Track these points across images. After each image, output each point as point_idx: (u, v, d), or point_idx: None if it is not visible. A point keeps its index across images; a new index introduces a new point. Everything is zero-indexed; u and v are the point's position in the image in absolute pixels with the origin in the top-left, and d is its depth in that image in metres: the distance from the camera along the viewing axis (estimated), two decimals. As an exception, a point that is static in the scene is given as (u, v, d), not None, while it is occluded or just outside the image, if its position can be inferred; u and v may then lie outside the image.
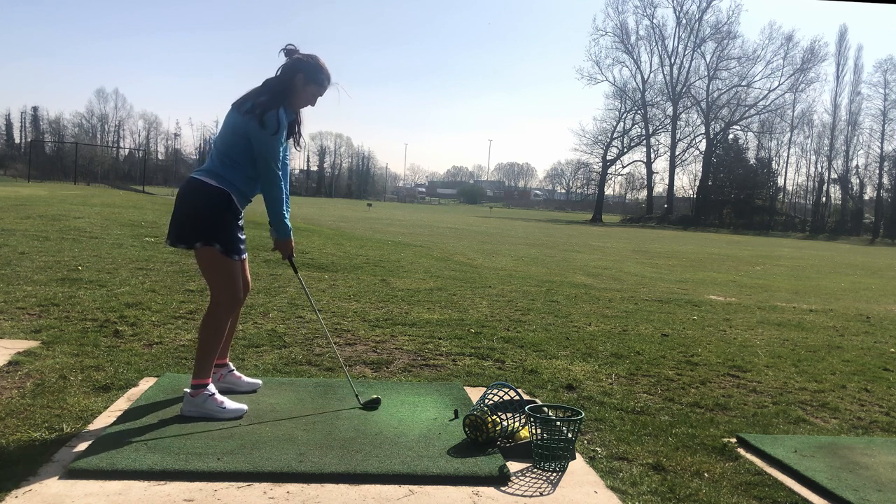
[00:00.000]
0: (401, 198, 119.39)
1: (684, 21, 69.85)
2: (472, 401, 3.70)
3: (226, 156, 3.24)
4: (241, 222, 3.32)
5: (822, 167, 70.58)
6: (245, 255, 3.39)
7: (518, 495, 2.65)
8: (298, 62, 3.32)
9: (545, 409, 3.29)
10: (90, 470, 2.57)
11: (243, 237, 3.34)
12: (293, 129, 3.47)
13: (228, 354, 3.71)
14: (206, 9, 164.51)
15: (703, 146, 71.68)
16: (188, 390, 3.26)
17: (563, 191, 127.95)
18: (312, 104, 3.43)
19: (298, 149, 3.63)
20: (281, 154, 3.30)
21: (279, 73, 3.33)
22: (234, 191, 3.23)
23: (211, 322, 3.27)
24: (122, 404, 3.37)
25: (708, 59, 69.82)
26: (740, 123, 70.50)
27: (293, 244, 3.49)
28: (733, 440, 3.52)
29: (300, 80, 3.31)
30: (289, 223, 3.40)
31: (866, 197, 68.88)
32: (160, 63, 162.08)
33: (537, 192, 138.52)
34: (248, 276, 3.54)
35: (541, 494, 2.68)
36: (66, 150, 69.67)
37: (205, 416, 3.19)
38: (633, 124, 72.92)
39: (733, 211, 68.31)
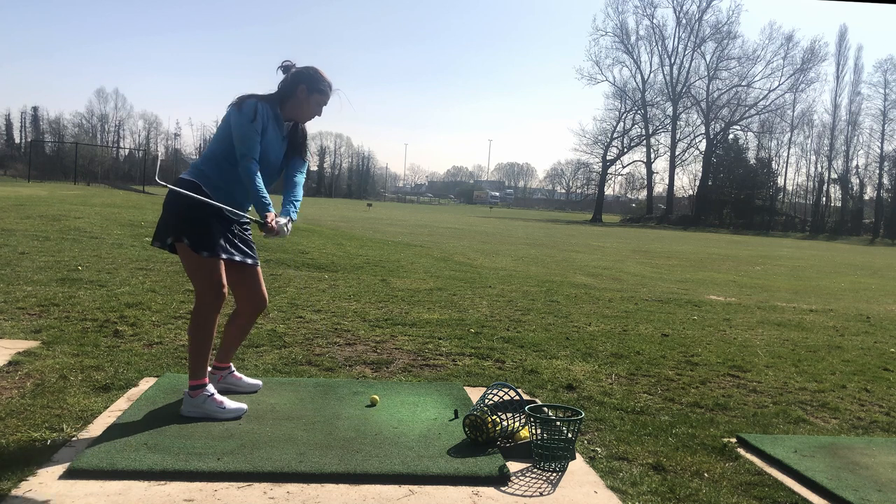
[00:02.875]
0: (400, 198, 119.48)
1: (684, 21, 69.78)
2: (472, 401, 3.70)
3: (208, 150, 3.27)
4: (226, 218, 3.22)
5: (822, 167, 70.49)
6: (237, 257, 3.29)
7: (518, 495, 2.65)
8: (298, 74, 3.32)
9: (545, 409, 3.29)
10: (90, 470, 2.57)
11: (232, 236, 3.27)
12: (297, 141, 3.46)
13: (231, 358, 3.68)
14: (206, 9, 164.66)
15: (703, 146, 71.63)
16: (188, 391, 3.26)
17: (563, 191, 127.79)
18: (319, 114, 3.42)
19: (306, 160, 3.57)
20: (272, 154, 3.28)
21: (279, 87, 3.33)
22: (205, 181, 3.17)
23: (197, 322, 3.22)
24: (122, 404, 3.37)
25: (708, 59, 69.77)
26: (740, 123, 70.44)
27: (273, 222, 3.15)
28: (733, 440, 3.52)
29: (303, 90, 3.31)
30: (266, 200, 3.13)
31: (866, 197, 68.83)
32: (160, 63, 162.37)
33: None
34: (263, 289, 3.49)
35: (541, 494, 2.68)
36: (66, 150, 69.51)
37: (205, 416, 3.19)
38: (633, 124, 72.89)
39: (733, 211, 68.23)
